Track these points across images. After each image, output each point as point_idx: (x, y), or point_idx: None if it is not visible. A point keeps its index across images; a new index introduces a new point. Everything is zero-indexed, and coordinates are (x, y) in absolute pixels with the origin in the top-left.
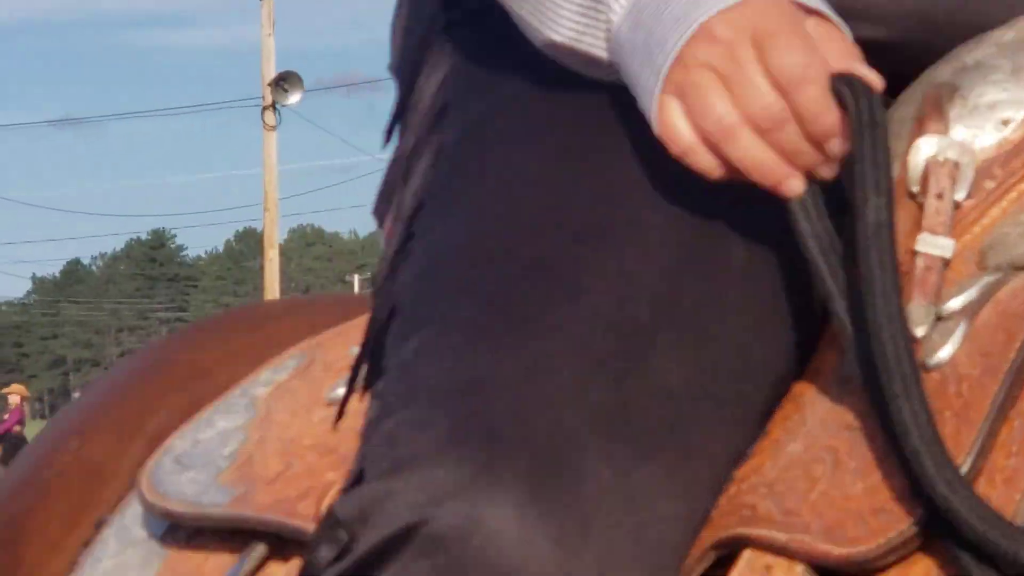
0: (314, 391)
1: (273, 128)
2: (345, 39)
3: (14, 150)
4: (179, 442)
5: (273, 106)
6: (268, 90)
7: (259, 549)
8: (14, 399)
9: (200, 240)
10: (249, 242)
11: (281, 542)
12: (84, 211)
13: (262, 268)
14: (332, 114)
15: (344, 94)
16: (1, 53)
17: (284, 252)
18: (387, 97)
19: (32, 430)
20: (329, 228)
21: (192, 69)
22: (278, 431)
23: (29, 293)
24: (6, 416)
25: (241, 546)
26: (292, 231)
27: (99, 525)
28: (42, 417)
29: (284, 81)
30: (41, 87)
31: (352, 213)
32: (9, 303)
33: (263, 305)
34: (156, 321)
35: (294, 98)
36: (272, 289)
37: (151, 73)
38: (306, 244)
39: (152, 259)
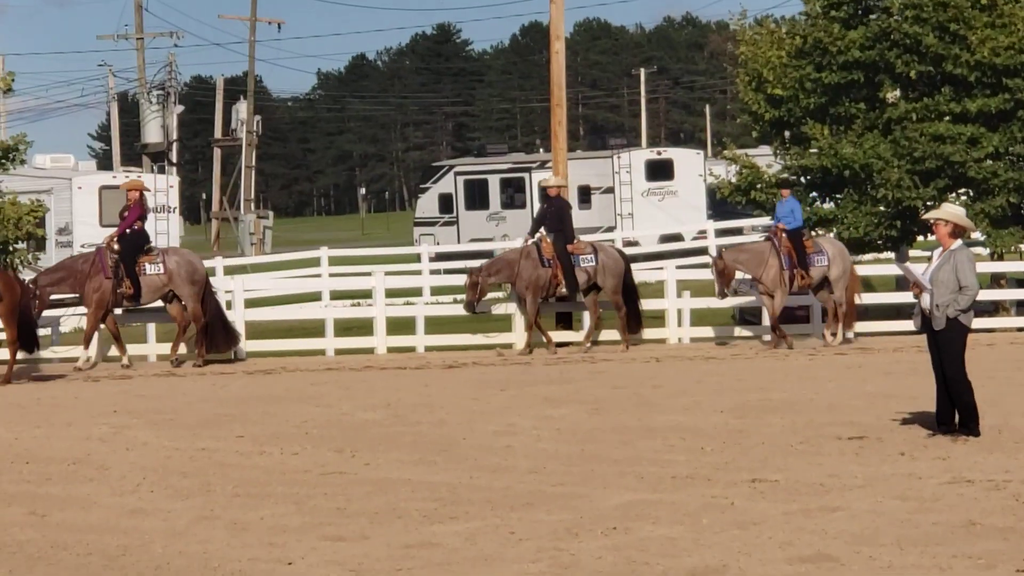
0: None
1: None
2: None
3: None
4: None
5: None
6: None
7: None
8: (132, 195)
9: (486, 33)
10: (535, 35)
11: None
12: (369, 5)
13: (548, 62)
14: None
15: None
16: None
17: (570, 46)
18: None
19: (321, 224)
20: (615, 21)
21: None
22: None
23: (315, 88)
24: (126, 214)
25: None
26: (578, 24)
27: None
28: (328, 213)
29: None
30: None
31: (637, 5)
32: (295, 98)
33: None
34: (442, 116)
35: None
36: (559, 83)
37: None
38: (592, 38)
39: (437, 53)
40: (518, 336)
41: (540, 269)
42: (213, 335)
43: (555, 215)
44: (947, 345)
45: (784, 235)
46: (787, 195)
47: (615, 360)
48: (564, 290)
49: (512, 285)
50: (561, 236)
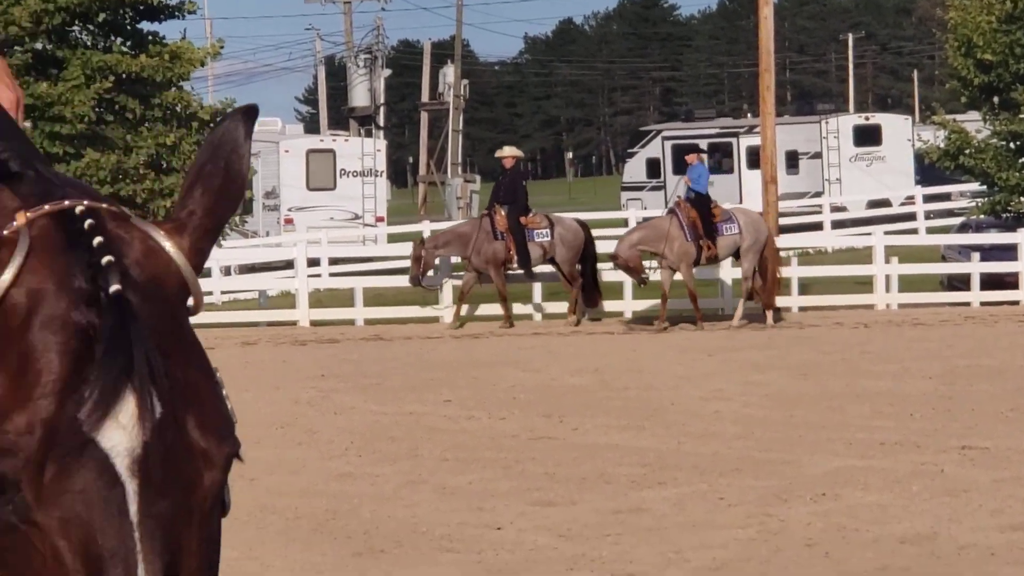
0: None
1: None
2: None
3: None
4: None
5: None
6: None
7: None
8: None
9: None
10: (743, 0)
11: None
12: None
13: (756, 27)
14: None
15: None
16: None
17: (778, 11)
18: None
19: (528, 188)
20: None
21: None
22: None
23: (522, 53)
24: None
25: None
26: None
27: None
28: (535, 178)
29: None
30: None
31: None
32: (502, 63)
33: None
34: (649, 81)
35: None
36: (767, 48)
37: None
38: (800, 3)
39: (645, 18)
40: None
41: (495, 243)
42: None
43: (508, 187)
44: None
45: (688, 205)
46: (694, 160)
47: (822, 326)
48: (517, 264)
49: (468, 260)
50: (515, 209)
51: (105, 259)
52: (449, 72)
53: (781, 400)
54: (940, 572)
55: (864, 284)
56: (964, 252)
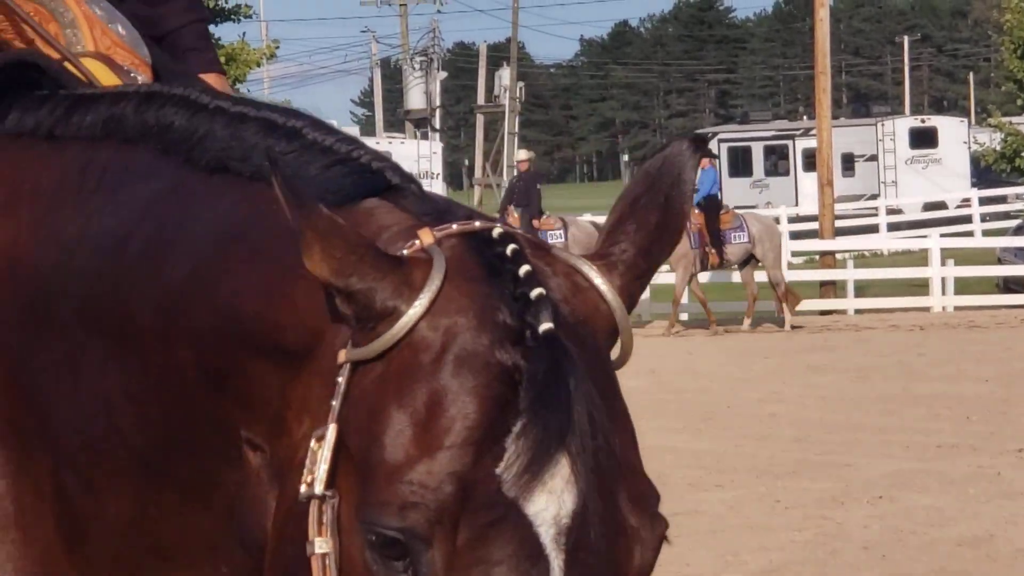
0: None
1: None
2: None
3: None
4: None
5: None
6: None
7: None
8: None
9: (749, 1)
10: (798, 3)
11: None
12: None
13: (812, 29)
14: None
15: None
16: None
17: (834, 13)
18: None
19: (584, 191)
20: None
21: None
22: None
23: (577, 55)
24: None
25: None
26: None
27: None
28: (591, 179)
29: None
30: None
31: None
32: (558, 65)
33: None
34: (705, 83)
35: None
36: (823, 51)
37: None
38: (855, 5)
39: (701, 21)
40: None
41: None
42: None
43: (523, 190)
44: None
45: (696, 210)
46: (705, 165)
47: (878, 328)
48: None
49: None
50: (528, 212)
51: (535, 292)
52: (505, 74)
53: (837, 403)
54: (997, 575)
55: (920, 286)
56: (1020, 254)
